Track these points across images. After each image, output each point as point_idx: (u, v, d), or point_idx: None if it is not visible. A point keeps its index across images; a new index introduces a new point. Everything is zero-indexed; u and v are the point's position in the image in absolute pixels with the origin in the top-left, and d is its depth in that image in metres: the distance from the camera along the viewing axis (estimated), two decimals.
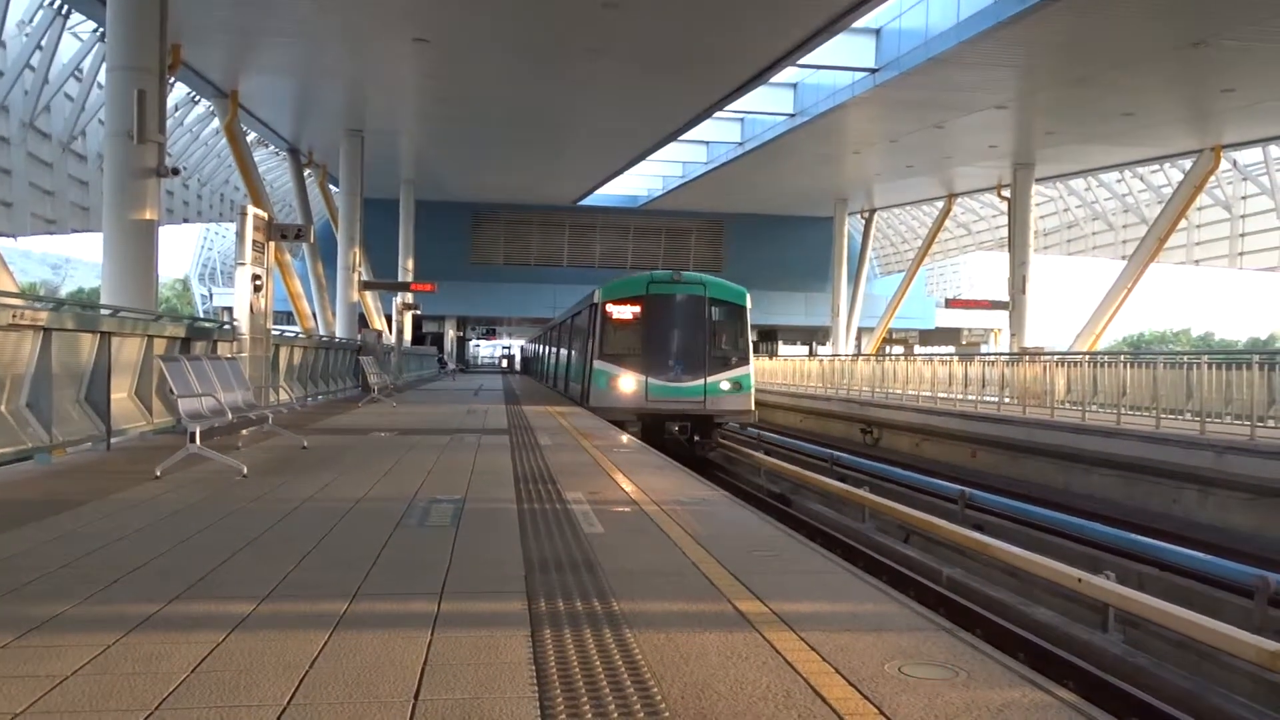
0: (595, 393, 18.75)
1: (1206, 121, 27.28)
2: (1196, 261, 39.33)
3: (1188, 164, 30.95)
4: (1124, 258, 35.51)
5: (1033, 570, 9.65)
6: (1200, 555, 10.61)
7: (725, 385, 18.56)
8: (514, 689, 3.22)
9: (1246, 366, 15.38)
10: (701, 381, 18.45)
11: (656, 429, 18.42)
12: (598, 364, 18.83)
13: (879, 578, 6.05)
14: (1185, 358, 19.02)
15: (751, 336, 20.16)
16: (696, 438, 18.91)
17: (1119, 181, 39.58)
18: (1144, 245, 31.43)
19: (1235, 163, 34.63)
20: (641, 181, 49.86)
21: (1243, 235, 37.26)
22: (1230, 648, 7.06)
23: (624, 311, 19.03)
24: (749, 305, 19.69)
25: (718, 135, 37.53)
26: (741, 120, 35.84)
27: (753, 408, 19.30)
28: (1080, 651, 7.72)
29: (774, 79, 27.50)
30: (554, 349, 32.80)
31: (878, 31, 25.21)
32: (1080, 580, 8.82)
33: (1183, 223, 33.45)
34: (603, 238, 56.82)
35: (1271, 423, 15.05)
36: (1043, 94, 25.76)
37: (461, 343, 68.54)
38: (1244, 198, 36.97)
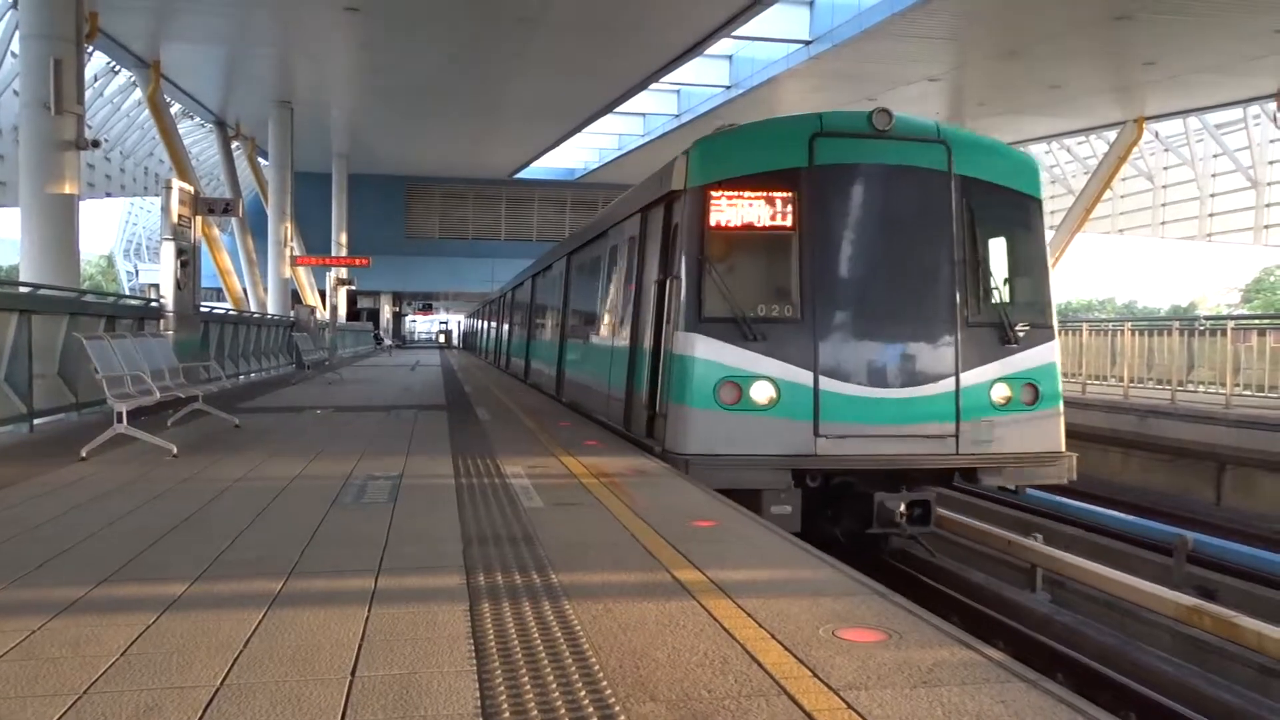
0: (681, 418, 8.07)
1: (1130, 94, 27.86)
2: (1121, 231, 40.39)
3: (1113, 135, 31.63)
4: (1051, 228, 36.23)
5: (964, 534, 9.90)
6: (1123, 516, 10.99)
7: (1003, 392, 8.26)
8: (452, 662, 3.22)
9: (1167, 333, 15.87)
10: (949, 382, 8.14)
11: (844, 508, 8.38)
12: (688, 344, 8.12)
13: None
14: (1110, 325, 19.54)
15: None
16: (903, 511, 8.05)
17: (1047, 153, 40.34)
18: (1071, 215, 32.09)
19: (1157, 134, 35.54)
20: (578, 154, 49.56)
21: (1164, 205, 38.32)
22: (1151, 604, 7.34)
23: (753, 210, 8.18)
24: (1044, 195, 9.18)
25: (654, 107, 37.39)
26: (678, 92, 35.72)
27: (1063, 446, 8.51)
28: (1010, 611, 7.94)
29: (709, 51, 27.42)
30: (539, 318, 19.27)
31: (811, 3, 25.28)
32: (1010, 543, 9.08)
33: (1108, 193, 34.24)
34: (541, 210, 56.38)
35: (1191, 386, 15.56)
36: (974, 66, 26.08)
37: (398, 318, 67.74)
38: (1165, 168, 37.99)
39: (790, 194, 8.16)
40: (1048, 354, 8.53)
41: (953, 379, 8.12)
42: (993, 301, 8.50)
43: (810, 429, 7.89)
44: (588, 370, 12.65)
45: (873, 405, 7.99)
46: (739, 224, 8.18)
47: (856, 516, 8.23)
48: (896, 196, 8.48)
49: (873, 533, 8.21)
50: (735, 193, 8.18)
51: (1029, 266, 8.96)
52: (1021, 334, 8.42)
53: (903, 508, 7.94)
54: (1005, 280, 8.78)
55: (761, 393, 7.91)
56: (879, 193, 8.47)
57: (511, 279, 28.62)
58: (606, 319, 11.59)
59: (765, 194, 8.16)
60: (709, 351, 8.00)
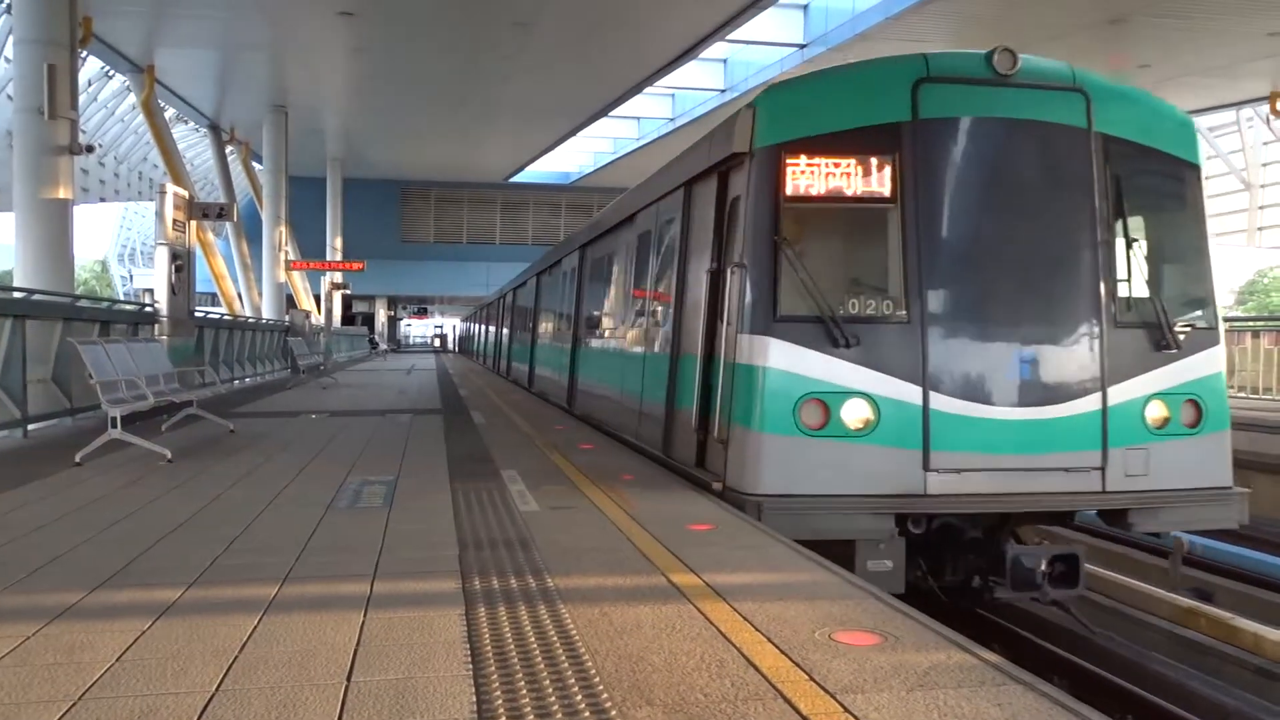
0: (750, 448, 6.37)
1: None
2: None
3: None
4: None
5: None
6: None
7: (1159, 411, 6.62)
8: (448, 667, 3.21)
9: None
10: (1092, 399, 6.47)
11: (948, 557, 6.74)
12: (759, 351, 6.41)
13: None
14: None
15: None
16: (1042, 568, 6.28)
17: None
18: None
19: None
20: (573, 158, 49.63)
21: None
22: (1148, 605, 7.35)
23: (841, 176, 6.47)
24: (1202, 160, 7.36)
25: (649, 111, 37.45)
26: (672, 96, 35.78)
27: (1231, 480, 6.82)
28: (1006, 614, 7.94)
29: (704, 54, 27.49)
30: (546, 320, 17.80)
31: (805, 7, 25.35)
32: None
33: None
34: (535, 215, 56.46)
35: None
36: None
37: (393, 322, 67.75)
38: None
39: (889, 155, 6.44)
40: (1212, 362, 6.81)
41: (1097, 395, 6.43)
42: (1145, 295, 6.78)
43: (918, 460, 6.21)
44: (609, 380, 10.89)
45: (997, 429, 6.30)
46: (823, 194, 6.44)
47: (966, 569, 6.63)
48: (1024, 160, 6.73)
49: (1004, 598, 6.49)
50: (818, 154, 6.42)
51: (1188, 252, 7.16)
52: (1181, 336, 6.71)
53: (1044, 564, 6.23)
54: (1159, 268, 6.99)
55: (855, 413, 6.21)
56: (1002, 155, 6.73)
57: (513, 278, 26.66)
58: (636, 319, 9.82)
59: (857, 155, 6.41)
60: (787, 360, 6.29)
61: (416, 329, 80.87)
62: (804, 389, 6.22)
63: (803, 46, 25.62)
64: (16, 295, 10.95)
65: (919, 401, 6.22)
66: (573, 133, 38.73)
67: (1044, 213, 6.66)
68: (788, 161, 6.41)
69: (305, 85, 31.11)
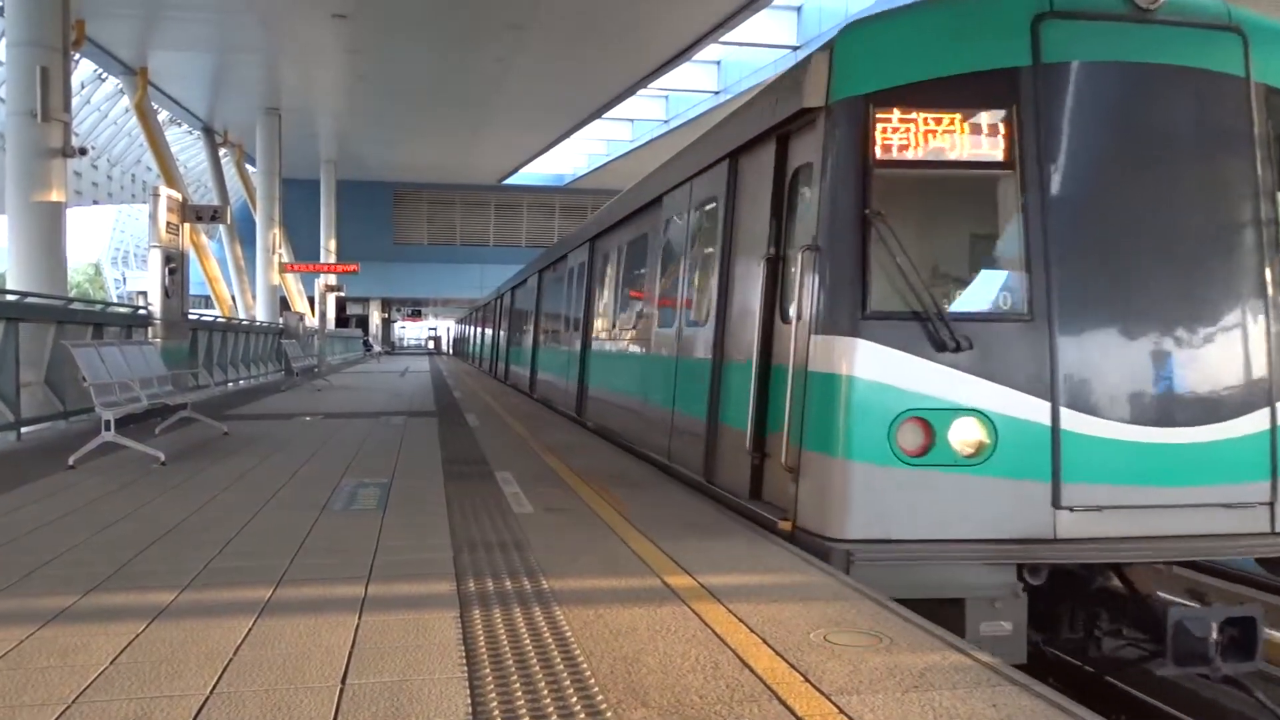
0: (833, 480, 5.04)
1: None
2: None
3: None
4: None
5: None
6: None
7: None
8: (443, 669, 3.21)
9: None
10: (1262, 415, 5.19)
11: (1074, 609, 5.48)
12: (842, 355, 5.08)
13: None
14: None
15: None
16: (1214, 636, 4.75)
17: None
18: None
19: None
20: (568, 160, 49.68)
21: None
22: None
23: (943, 136, 5.16)
24: None
25: (642, 113, 37.50)
26: (666, 98, 35.83)
27: None
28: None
29: (697, 56, 27.55)
30: (550, 321, 16.57)
31: (799, 9, 25.42)
32: None
33: None
34: (529, 217, 56.47)
35: None
36: None
37: (387, 325, 67.72)
38: None
39: (1004, 109, 5.19)
40: None
41: (1265, 410, 5.19)
42: None
43: (1046, 495, 4.97)
44: (631, 389, 9.57)
45: (1144, 455, 5.04)
46: (921, 159, 5.19)
47: (1085, 623, 5.47)
48: (1169, 116, 5.40)
49: (1165, 674, 5.10)
50: (913, 108, 5.14)
51: None
52: None
53: (1214, 632, 4.79)
54: None
55: (966, 435, 4.97)
56: (1142, 109, 5.39)
57: (512, 276, 25.37)
58: (664, 318, 8.55)
59: (963, 109, 5.17)
60: (878, 368, 5.01)
61: (411, 331, 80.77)
62: (902, 405, 4.97)
63: (796, 49, 25.67)
64: (10, 298, 10.91)
65: (1047, 420, 4.99)
66: (567, 135, 38.75)
67: (1195, 182, 5.40)
68: (878, 116, 5.13)
69: (299, 88, 31.11)
